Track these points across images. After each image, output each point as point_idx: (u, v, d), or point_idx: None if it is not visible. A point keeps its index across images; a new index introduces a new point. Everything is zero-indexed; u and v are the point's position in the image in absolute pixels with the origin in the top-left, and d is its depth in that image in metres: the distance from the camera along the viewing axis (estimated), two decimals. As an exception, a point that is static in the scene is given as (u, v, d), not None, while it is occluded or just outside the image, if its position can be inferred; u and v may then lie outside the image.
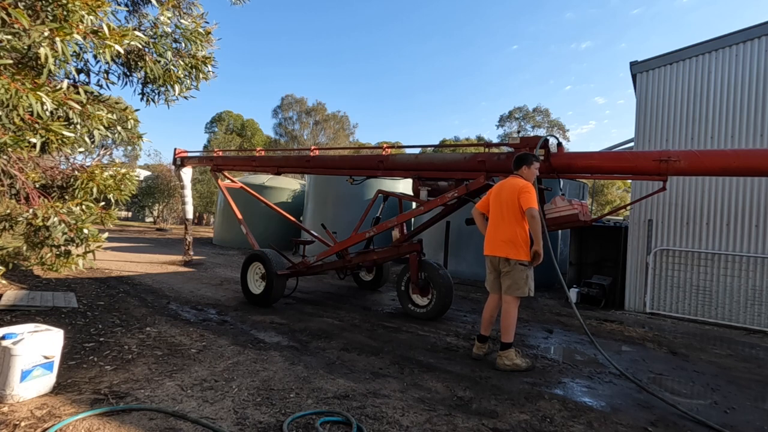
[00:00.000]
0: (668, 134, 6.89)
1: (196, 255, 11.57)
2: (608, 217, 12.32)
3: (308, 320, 5.19)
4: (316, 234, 7.64)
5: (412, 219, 9.25)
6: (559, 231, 9.51)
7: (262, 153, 7.32)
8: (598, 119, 69.88)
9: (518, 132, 40.28)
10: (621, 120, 72.28)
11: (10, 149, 2.85)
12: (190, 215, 9.34)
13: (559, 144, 4.65)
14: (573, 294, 7.26)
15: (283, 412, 2.73)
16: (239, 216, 7.23)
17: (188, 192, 9.18)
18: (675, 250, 6.65)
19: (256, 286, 5.97)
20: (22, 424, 2.41)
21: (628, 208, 7.64)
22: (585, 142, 72.42)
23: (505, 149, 5.32)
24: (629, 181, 11.26)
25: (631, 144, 8.24)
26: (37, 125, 2.92)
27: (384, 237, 9.52)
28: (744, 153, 4.03)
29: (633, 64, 7.33)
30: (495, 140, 36.43)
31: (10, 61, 2.73)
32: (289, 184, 15.40)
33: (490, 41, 75.92)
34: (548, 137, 4.53)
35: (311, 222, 12.12)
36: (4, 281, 3.76)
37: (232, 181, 8.41)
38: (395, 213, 6.05)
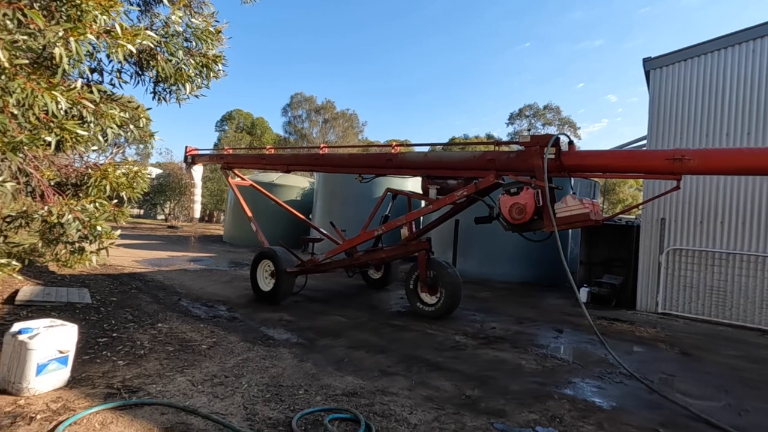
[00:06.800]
0: (681, 132, 6.78)
1: (206, 252, 11.72)
2: (620, 215, 12.17)
3: (316, 318, 5.22)
4: (325, 232, 7.67)
5: (421, 217, 9.23)
6: (570, 230, 9.42)
7: (272, 151, 7.35)
8: (611, 117, 68.87)
9: (528, 130, 39.91)
10: (634, 118, 71.09)
11: (26, 147, 2.91)
12: (198, 214, 9.45)
13: (571, 142, 4.60)
14: (583, 293, 7.19)
15: (292, 408, 2.75)
16: (249, 214, 7.27)
17: (198, 191, 9.27)
18: (688, 250, 6.55)
19: (266, 284, 6.02)
20: (38, 416, 2.46)
21: (641, 206, 7.54)
22: (597, 141, 71.38)
23: (515, 147, 5.28)
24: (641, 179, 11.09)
25: (644, 142, 8.12)
26: (52, 124, 2.97)
27: (393, 235, 9.52)
28: (760, 152, 3.94)
29: (646, 61, 7.21)
30: (505, 138, 36.16)
31: (26, 61, 2.77)
32: (298, 182, 15.46)
33: (496, 39, 75.23)
34: (559, 136, 4.49)
35: (320, 220, 12.17)
36: (20, 277, 3.85)
37: (243, 179, 8.47)
38: (404, 211, 6.04)
